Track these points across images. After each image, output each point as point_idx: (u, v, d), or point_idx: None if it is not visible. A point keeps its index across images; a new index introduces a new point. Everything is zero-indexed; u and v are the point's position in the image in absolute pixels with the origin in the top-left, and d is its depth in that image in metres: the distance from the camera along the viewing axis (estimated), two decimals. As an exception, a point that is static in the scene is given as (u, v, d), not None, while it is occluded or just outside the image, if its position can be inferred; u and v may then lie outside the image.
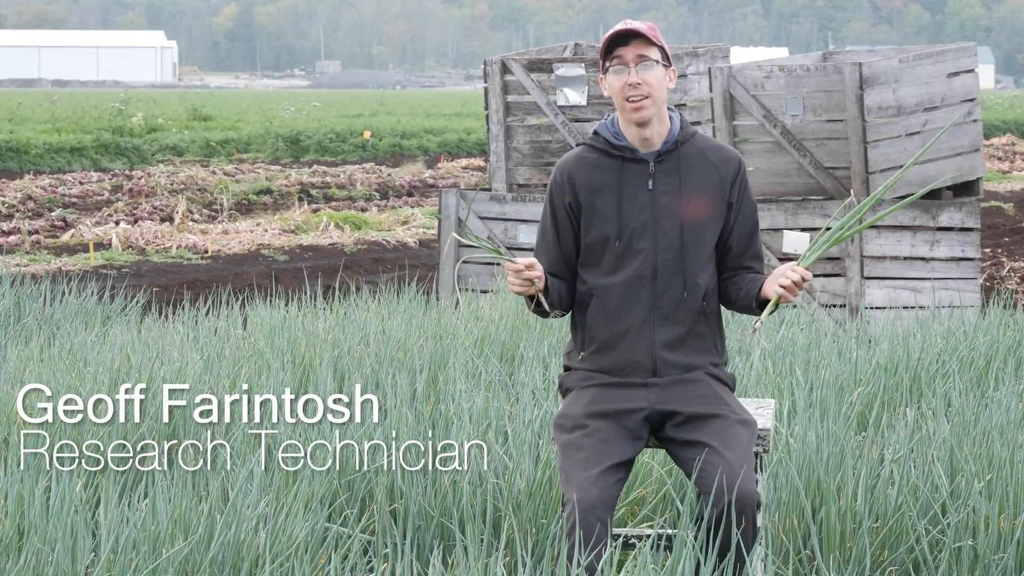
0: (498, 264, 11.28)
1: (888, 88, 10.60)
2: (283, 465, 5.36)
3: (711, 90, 11.04)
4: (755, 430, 4.40)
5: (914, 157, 4.62)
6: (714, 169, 4.49)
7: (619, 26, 4.44)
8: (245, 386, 6.65)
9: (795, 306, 10.12)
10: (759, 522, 4.25)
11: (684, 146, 4.50)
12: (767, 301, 4.40)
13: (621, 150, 4.48)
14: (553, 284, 4.47)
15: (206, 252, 15.57)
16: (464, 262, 11.03)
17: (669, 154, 4.48)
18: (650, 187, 4.46)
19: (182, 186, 21.84)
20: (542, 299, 4.40)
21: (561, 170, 4.51)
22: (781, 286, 4.35)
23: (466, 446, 5.38)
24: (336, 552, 4.93)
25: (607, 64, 4.44)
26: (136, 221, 17.86)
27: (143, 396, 6.23)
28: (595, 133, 4.53)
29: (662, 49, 4.43)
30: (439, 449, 5.49)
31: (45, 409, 5.95)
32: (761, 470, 4.51)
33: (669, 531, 4.68)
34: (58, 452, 5.63)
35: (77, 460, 5.62)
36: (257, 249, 15.92)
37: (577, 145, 4.54)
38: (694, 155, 4.49)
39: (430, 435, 5.65)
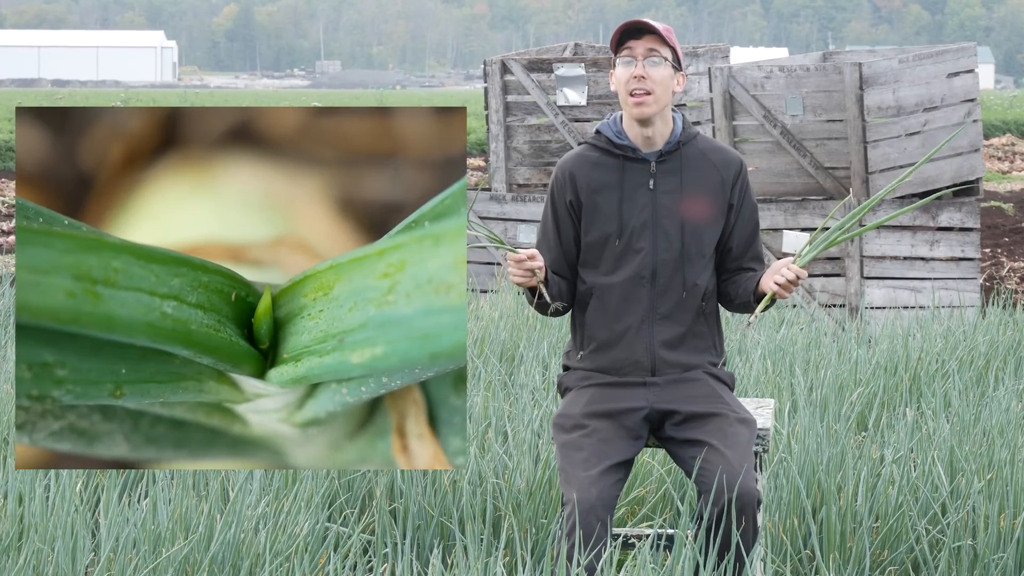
0: (498, 264, 11.28)
1: (888, 88, 10.60)
2: (283, 465, 5.35)
3: (711, 90, 11.04)
4: (755, 429, 4.39)
5: (918, 163, 4.62)
6: (715, 170, 4.48)
7: (633, 20, 4.43)
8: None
9: (795, 306, 10.12)
10: (759, 521, 4.25)
11: (686, 147, 4.49)
12: (764, 296, 4.41)
13: (623, 149, 4.48)
14: (554, 279, 4.47)
15: (206, 252, 15.56)
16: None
17: (671, 154, 4.47)
18: (651, 187, 4.46)
19: (182, 186, 21.83)
20: (543, 290, 4.39)
21: (562, 169, 4.51)
22: (776, 283, 4.35)
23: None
24: (336, 552, 4.93)
25: (616, 56, 4.42)
26: (136, 221, 17.85)
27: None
28: (597, 132, 4.53)
29: (674, 51, 4.42)
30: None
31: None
32: (761, 470, 4.51)
33: (669, 531, 4.68)
34: (58, 452, 5.63)
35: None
36: (257, 249, 15.90)
37: (579, 144, 4.52)
38: (696, 156, 4.48)
39: (430, 435, 5.64)
